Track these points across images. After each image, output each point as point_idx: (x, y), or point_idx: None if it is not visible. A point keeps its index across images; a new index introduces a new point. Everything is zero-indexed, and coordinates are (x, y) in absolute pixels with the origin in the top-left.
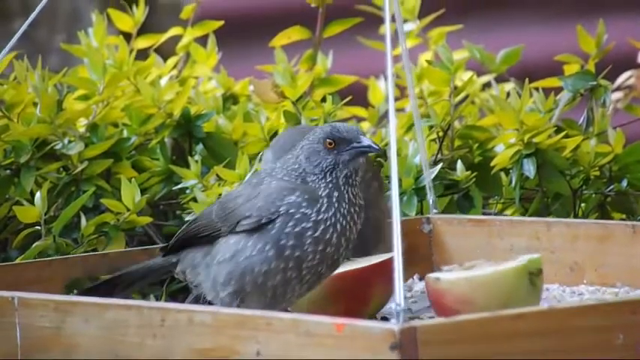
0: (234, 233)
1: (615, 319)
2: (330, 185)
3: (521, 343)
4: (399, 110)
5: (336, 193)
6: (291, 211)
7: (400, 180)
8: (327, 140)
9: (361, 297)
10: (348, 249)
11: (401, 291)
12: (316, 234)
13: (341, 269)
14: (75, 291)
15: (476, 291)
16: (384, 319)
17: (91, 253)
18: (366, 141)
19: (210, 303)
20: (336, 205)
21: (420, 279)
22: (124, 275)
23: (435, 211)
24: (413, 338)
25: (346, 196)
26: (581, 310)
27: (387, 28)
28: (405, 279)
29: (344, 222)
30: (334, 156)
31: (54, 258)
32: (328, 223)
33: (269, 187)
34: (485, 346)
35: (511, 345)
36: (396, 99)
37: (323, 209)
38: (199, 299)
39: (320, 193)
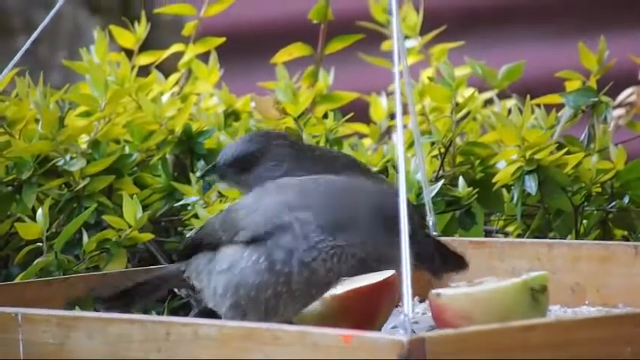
0: (233, 243)
1: (622, 330)
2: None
3: (529, 354)
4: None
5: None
6: (293, 225)
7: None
8: None
9: (368, 315)
10: (342, 276)
11: (409, 302)
12: (304, 257)
13: (346, 287)
14: (94, 299)
15: (475, 306)
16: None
17: (91, 273)
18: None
19: (211, 310)
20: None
21: (421, 301)
22: (139, 287)
23: (434, 233)
24: (421, 349)
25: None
26: (589, 322)
27: (395, 44)
28: (401, 299)
29: (335, 258)
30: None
31: (54, 278)
32: (322, 251)
33: (272, 202)
34: (493, 357)
35: (519, 357)
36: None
37: (327, 239)
38: (202, 314)
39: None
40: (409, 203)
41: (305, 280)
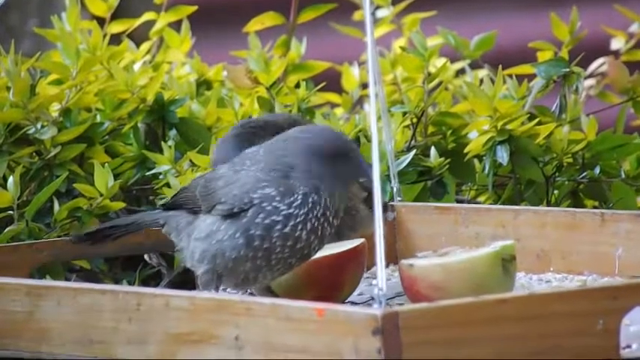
0: (210, 214)
1: (596, 304)
2: (310, 187)
3: (503, 328)
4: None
5: (314, 196)
6: (263, 203)
7: None
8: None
9: (334, 283)
10: (322, 244)
11: (383, 276)
12: (285, 229)
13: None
14: (70, 236)
15: (449, 277)
16: (353, 305)
17: (58, 239)
18: (368, 169)
19: (182, 281)
20: (309, 205)
21: (385, 267)
22: (114, 227)
23: (399, 198)
24: (395, 323)
25: (323, 201)
26: (562, 295)
27: (366, 13)
28: (369, 266)
29: (316, 223)
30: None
31: (20, 243)
32: (298, 219)
33: (247, 175)
34: (467, 330)
35: (493, 330)
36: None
37: (295, 204)
38: (173, 284)
39: (297, 189)
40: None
41: (286, 252)
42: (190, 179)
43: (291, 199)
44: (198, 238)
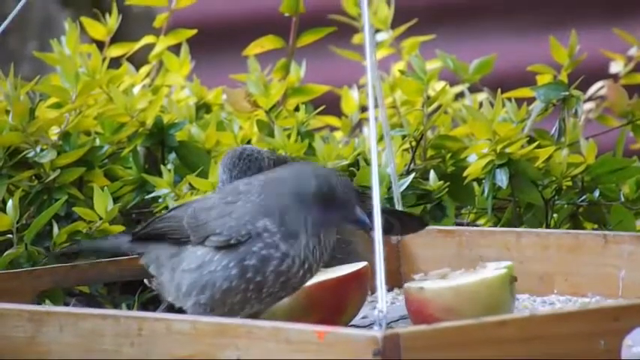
0: (202, 245)
1: (597, 325)
2: (308, 233)
3: (503, 349)
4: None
5: (313, 241)
6: (263, 235)
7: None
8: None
9: (337, 306)
10: (311, 278)
11: (384, 298)
12: (281, 267)
13: (316, 279)
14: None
15: (462, 300)
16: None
17: (60, 265)
18: (358, 214)
19: (173, 305)
20: (310, 247)
21: (389, 290)
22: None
23: None
24: (396, 345)
25: (318, 238)
26: (563, 316)
27: (366, 35)
28: (373, 290)
29: (312, 259)
30: (321, 215)
31: (22, 270)
32: (296, 260)
33: (244, 207)
34: (467, 352)
35: (494, 351)
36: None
37: (297, 250)
38: (172, 308)
39: (300, 235)
40: (341, 180)
41: (277, 287)
42: (164, 211)
43: (292, 241)
44: (186, 270)
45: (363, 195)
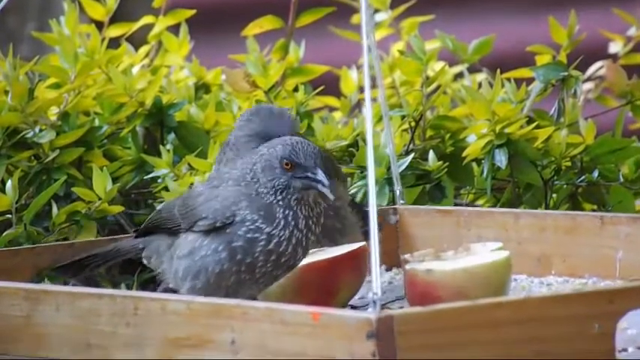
0: (192, 231)
1: (592, 308)
2: (281, 204)
3: (498, 332)
4: (371, 100)
5: (290, 213)
6: (246, 219)
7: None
8: (285, 161)
9: (330, 288)
10: (307, 253)
11: (378, 279)
12: (269, 247)
13: (309, 260)
14: (45, 273)
15: (472, 282)
16: (353, 308)
17: (59, 243)
18: (320, 176)
19: (174, 291)
20: (292, 223)
21: (387, 270)
22: (92, 257)
23: (401, 202)
24: (390, 327)
25: (300, 213)
26: (559, 299)
27: (363, 16)
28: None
29: (299, 235)
30: (288, 178)
31: (21, 247)
32: (282, 238)
33: (226, 190)
34: (462, 334)
35: (489, 334)
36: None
37: (280, 227)
38: (171, 289)
39: (276, 212)
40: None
41: (270, 266)
42: (163, 191)
43: (274, 224)
44: (181, 256)
45: (328, 159)
